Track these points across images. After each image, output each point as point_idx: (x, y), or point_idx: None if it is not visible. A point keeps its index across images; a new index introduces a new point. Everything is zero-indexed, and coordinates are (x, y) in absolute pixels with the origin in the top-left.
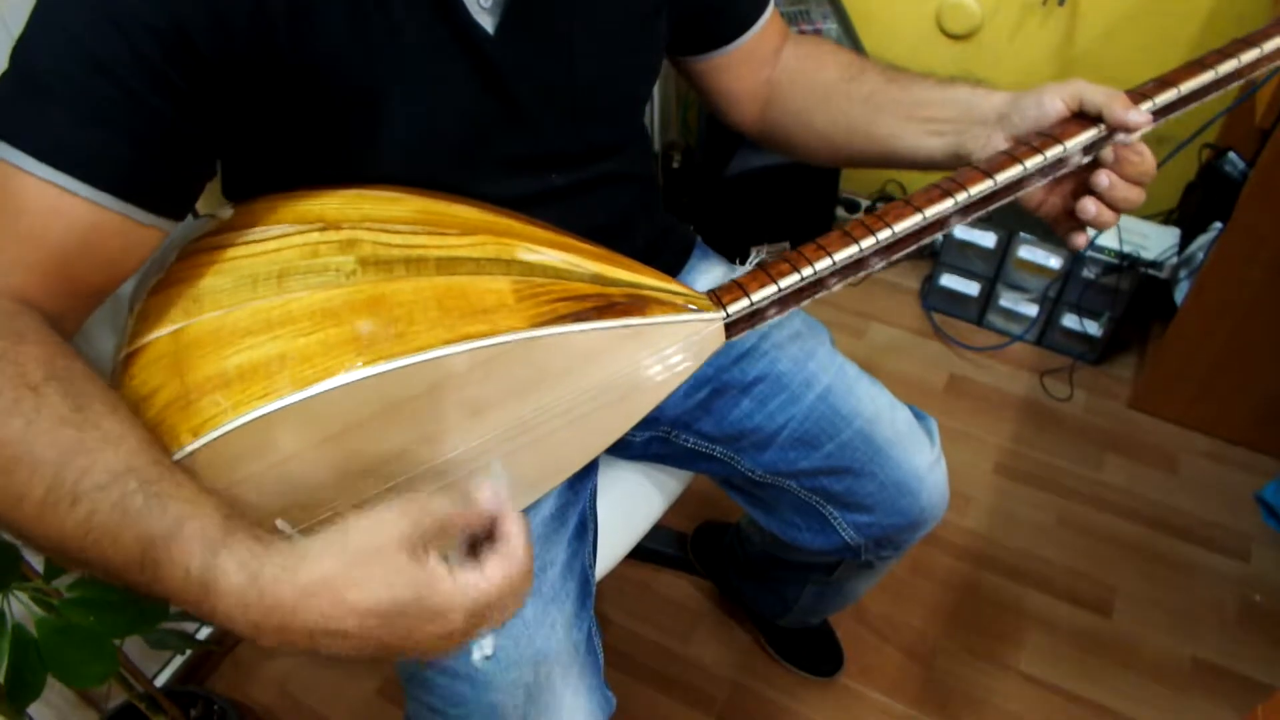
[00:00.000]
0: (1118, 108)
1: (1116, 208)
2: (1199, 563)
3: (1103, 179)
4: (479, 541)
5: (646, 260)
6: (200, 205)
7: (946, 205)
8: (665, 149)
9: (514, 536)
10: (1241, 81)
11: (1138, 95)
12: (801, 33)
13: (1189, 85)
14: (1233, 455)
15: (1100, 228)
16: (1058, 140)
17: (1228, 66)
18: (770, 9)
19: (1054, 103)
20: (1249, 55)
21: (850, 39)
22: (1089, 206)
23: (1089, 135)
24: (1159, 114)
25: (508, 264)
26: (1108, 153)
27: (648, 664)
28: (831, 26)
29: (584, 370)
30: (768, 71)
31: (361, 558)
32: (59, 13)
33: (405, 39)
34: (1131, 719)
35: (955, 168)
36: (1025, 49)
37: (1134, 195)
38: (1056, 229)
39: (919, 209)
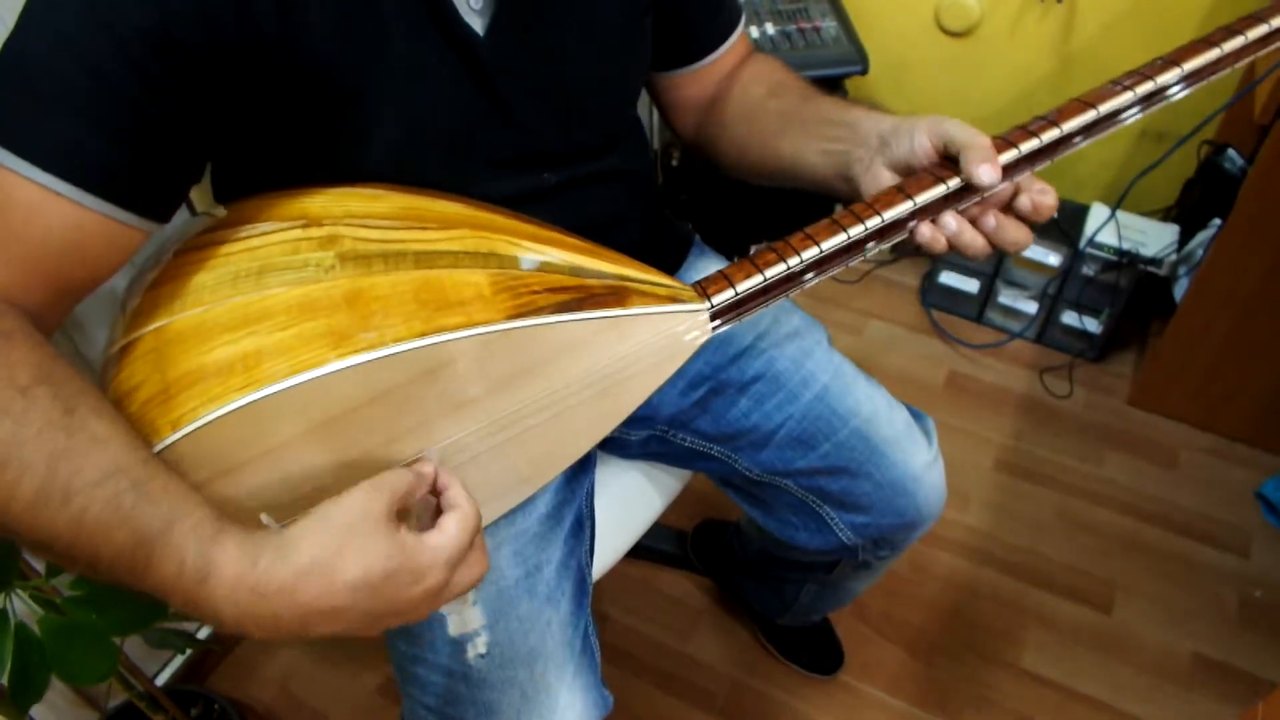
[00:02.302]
0: (972, 159)
1: (1005, 249)
2: (1199, 559)
3: (990, 221)
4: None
5: (643, 256)
6: (199, 204)
7: (938, 190)
8: (664, 147)
9: (456, 492)
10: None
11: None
12: (800, 30)
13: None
14: (1233, 451)
15: (975, 258)
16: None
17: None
18: (738, 31)
19: (922, 140)
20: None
21: (849, 37)
22: (967, 240)
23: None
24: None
25: (486, 257)
26: (1007, 189)
27: (648, 661)
28: (830, 24)
29: (566, 362)
30: (716, 88)
31: (348, 535)
32: (48, 13)
33: (394, 39)
34: (1132, 715)
35: (848, 192)
36: (1024, 46)
37: (1023, 237)
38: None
39: (910, 195)
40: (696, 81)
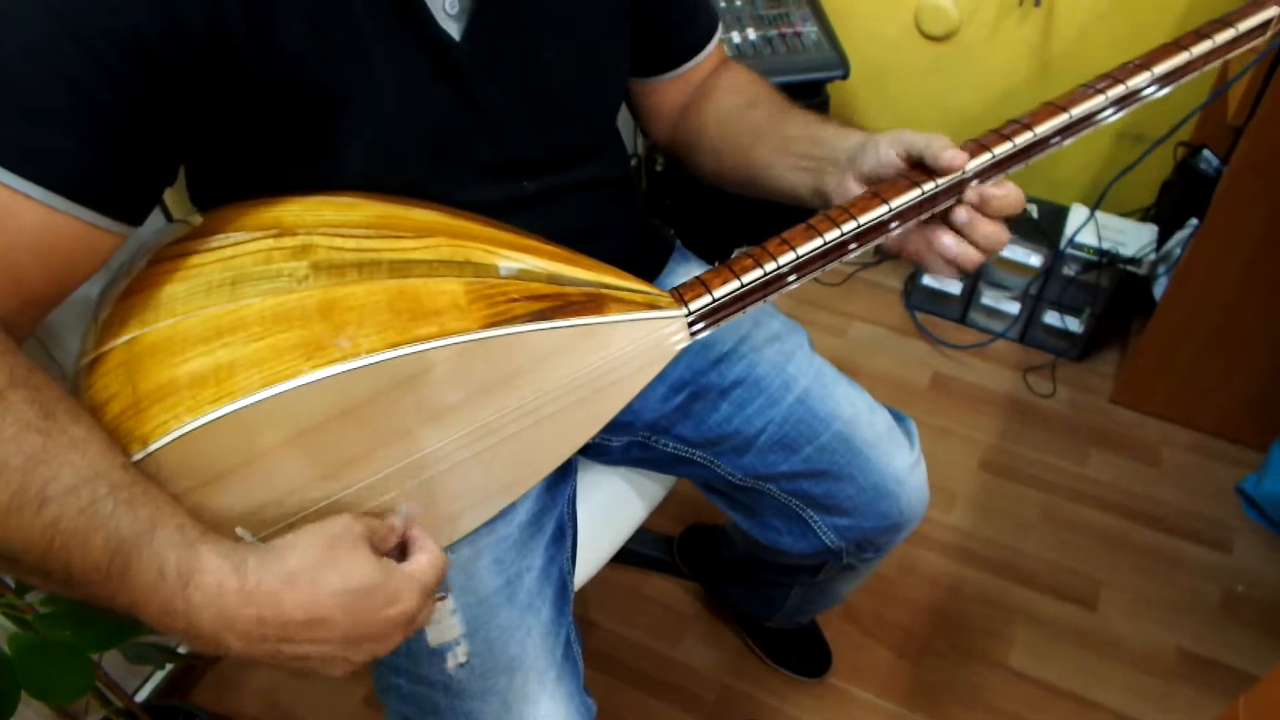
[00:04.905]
0: (935, 148)
1: (978, 246)
2: (1182, 555)
3: (960, 215)
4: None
5: (623, 264)
6: (175, 211)
7: (913, 195)
8: (648, 152)
9: (424, 537)
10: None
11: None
12: (781, 36)
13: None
14: (1214, 447)
15: (964, 267)
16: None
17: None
18: (715, 40)
19: (887, 151)
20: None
21: (829, 41)
22: (948, 244)
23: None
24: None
25: (461, 266)
26: (970, 193)
27: (636, 667)
28: (811, 29)
29: (544, 370)
30: (692, 94)
31: (332, 549)
32: (15, 19)
33: (368, 47)
34: (1119, 711)
35: (821, 206)
36: (1003, 49)
37: (994, 232)
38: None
39: (885, 200)
40: (672, 88)
